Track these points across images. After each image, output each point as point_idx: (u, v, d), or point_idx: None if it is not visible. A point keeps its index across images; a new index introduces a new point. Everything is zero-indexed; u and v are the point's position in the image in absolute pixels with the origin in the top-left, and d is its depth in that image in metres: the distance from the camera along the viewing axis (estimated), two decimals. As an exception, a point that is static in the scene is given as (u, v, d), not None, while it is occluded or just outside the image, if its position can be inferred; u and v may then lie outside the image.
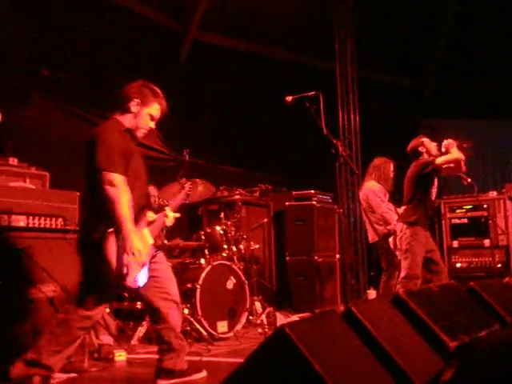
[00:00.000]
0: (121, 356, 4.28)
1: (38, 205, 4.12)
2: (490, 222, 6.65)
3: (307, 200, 7.10)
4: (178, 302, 3.42)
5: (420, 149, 5.21)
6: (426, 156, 5.19)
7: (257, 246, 6.22)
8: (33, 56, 6.38)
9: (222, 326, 5.12)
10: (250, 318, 5.62)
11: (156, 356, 3.53)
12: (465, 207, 6.95)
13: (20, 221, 3.93)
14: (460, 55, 10.28)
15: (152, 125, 3.35)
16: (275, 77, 8.78)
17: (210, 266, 5.18)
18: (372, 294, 7.37)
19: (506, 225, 6.62)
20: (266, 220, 6.86)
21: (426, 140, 5.25)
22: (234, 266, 5.43)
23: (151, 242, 3.23)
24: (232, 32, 9.12)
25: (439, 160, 5.00)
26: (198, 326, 4.89)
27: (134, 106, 3.25)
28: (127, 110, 3.26)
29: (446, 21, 10.28)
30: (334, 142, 3.46)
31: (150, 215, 3.33)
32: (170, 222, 3.46)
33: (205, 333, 4.88)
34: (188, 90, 8.25)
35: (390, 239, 5.60)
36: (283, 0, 8.80)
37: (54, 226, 4.10)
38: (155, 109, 3.33)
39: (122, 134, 3.22)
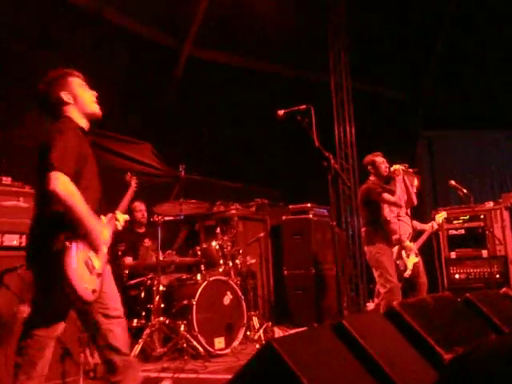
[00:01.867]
0: (116, 374, 4.22)
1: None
2: (487, 232, 6.63)
3: (304, 214, 7.10)
4: (121, 315, 3.03)
5: (369, 168, 5.51)
6: (375, 175, 5.46)
7: (253, 261, 6.20)
8: (27, 73, 6.40)
9: (219, 342, 5.08)
10: (248, 333, 5.58)
11: (153, 374, 3.49)
12: (462, 218, 6.94)
13: (13, 240, 3.92)
14: (456, 66, 10.33)
15: (92, 92, 3.09)
16: (271, 90, 8.81)
17: (206, 282, 5.16)
18: (372, 306, 7.33)
19: (504, 235, 6.60)
20: (262, 234, 6.84)
21: (378, 160, 5.49)
22: (230, 282, 5.40)
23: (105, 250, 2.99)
24: (227, 47, 9.17)
25: (385, 197, 5.29)
26: (195, 343, 4.85)
27: (64, 96, 2.96)
28: (65, 104, 2.97)
29: (441, 31, 10.33)
30: (326, 154, 3.46)
31: (103, 219, 3.06)
32: (120, 225, 3.19)
33: (201, 349, 4.84)
34: (184, 105, 8.28)
35: (394, 249, 5.60)
36: (277, 14, 8.87)
37: (47, 245, 4.06)
38: (76, 79, 3.06)
39: (76, 133, 2.91)
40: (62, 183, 2.63)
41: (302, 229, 7.04)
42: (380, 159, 5.46)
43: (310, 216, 7.04)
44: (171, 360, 4.72)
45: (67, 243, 2.69)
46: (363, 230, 5.42)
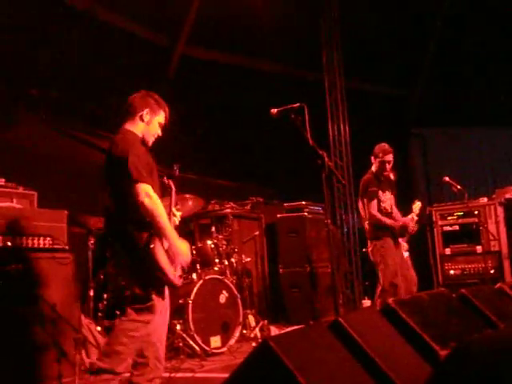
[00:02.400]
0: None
1: (26, 224, 4.08)
2: (481, 228, 6.65)
3: (299, 211, 7.10)
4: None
5: (372, 158, 5.51)
6: (375, 167, 5.45)
7: (248, 259, 6.20)
8: (21, 75, 6.38)
9: (215, 341, 5.07)
10: (244, 332, 5.57)
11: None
12: (456, 214, 6.96)
13: (7, 241, 3.90)
14: (449, 64, 10.36)
15: (160, 132, 3.49)
16: (265, 89, 8.80)
17: (201, 281, 5.15)
18: (367, 303, 7.35)
19: (498, 230, 6.62)
20: (257, 233, 6.84)
21: (387, 158, 5.43)
22: (226, 280, 5.40)
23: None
24: (220, 46, 9.16)
25: (370, 204, 5.28)
26: (191, 342, 4.85)
27: (145, 115, 3.39)
28: (139, 120, 3.39)
29: (434, 30, 10.35)
30: (320, 152, 3.46)
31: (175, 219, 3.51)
32: (178, 220, 3.56)
33: (198, 348, 4.84)
34: (177, 104, 8.23)
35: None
36: (270, 13, 8.85)
37: (41, 246, 4.06)
38: (162, 116, 3.48)
39: (142, 145, 3.36)
40: (149, 196, 3.07)
41: (296, 227, 7.05)
42: (389, 157, 5.42)
43: (305, 214, 7.05)
44: (167, 359, 4.68)
45: (152, 239, 3.09)
46: (367, 223, 5.34)
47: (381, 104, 10.50)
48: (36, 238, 4.03)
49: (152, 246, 3.09)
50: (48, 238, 4.08)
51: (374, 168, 5.45)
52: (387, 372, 2.07)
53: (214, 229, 5.92)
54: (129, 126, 3.40)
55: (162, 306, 3.26)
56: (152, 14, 8.06)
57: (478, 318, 3.07)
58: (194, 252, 5.57)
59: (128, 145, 3.23)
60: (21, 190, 4.54)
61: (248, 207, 7.19)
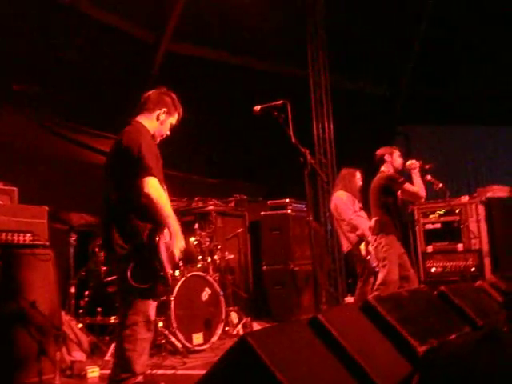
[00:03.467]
0: (94, 372, 4.21)
1: (6, 220, 4.04)
2: (462, 226, 6.71)
3: (282, 209, 7.11)
4: None
5: (386, 157, 5.37)
6: (389, 166, 5.35)
7: (231, 256, 6.20)
8: (2, 70, 6.30)
9: (198, 337, 5.07)
10: (226, 328, 5.58)
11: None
12: (437, 212, 7.00)
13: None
14: (433, 63, 10.43)
15: (168, 133, 3.51)
16: (250, 86, 8.78)
17: (184, 278, 5.14)
18: (350, 300, 7.38)
19: (479, 229, 6.68)
20: (240, 230, 6.84)
21: (396, 152, 5.43)
22: (208, 277, 5.39)
23: None
24: (205, 42, 9.12)
25: (407, 186, 5.20)
26: (173, 339, 4.84)
27: (162, 114, 3.40)
28: (155, 118, 3.40)
29: (419, 29, 10.41)
30: (303, 150, 3.46)
31: None
32: None
33: (180, 345, 4.83)
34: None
35: (362, 246, 5.64)
36: (256, 10, 8.84)
37: (22, 242, 4.02)
38: (175, 118, 3.50)
39: (151, 139, 3.36)
40: (155, 188, 3.09)
41: (280, 224, 7.06)
42: (397, 152, 5.42)
43: (289, 211, 7.06)
44: (149, 356, 4.69)
45: (156, 232, 3.10)
46: (376, 219, 5.25)
47: (365, 102, 10.54)
48: (16, 234, 3.98)
49: (157, 238, 3.10)
50: (28, 234, 4.04)
51: (384, 168, 5.40)
52: (366, 368, 2.08)
53: (197, 226, 5.90)
54: (143, 120, 3.39)
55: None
56: (137, 9, 8.01)
57: (457, 315, 3.10)
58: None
59: (139, 137, 3.23)
60: (1, 185, 4.49)
61: (232, 204, 7.19)
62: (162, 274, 3.12)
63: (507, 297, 3.60)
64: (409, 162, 5.33)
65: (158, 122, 3.40)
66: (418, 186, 5.21)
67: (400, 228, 5.29)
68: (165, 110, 3.41)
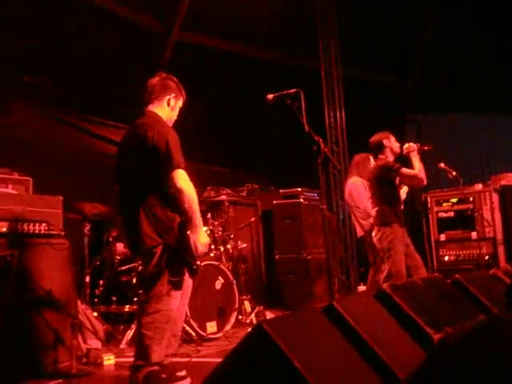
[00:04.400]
0: (109, 360, 4.25)
1: (22, 210, 4.07)
2: (476, 214, 6.67)
3: (295, 198, 7.11)
4: None
5: (385, 142, 5.25)
6: (388, 152, 5.24)
7: (244, 245, 6.22)
8: (13, 62, 6.32)
9: (211, 326, 5.10)
10: (240, 317, 5.61)
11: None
12: (451, 200, 6.97)
13: (3, 227, 3.89)
14: (444, 50, 10.32)
15: (175, 117, 3.56)
16: (261, 76, 8.75)
17: (197, 267, 5.16)
18: (363, 289, 7.38)
19: (492, 217, 6.65)
20: (253, 219, 6.85)
21: (392, 137, 5.33)
22: (221, 266, 5.41)
23: None
24: (215, 32, 9.08)
25: (405, 171, 5.07)
26: (187, 327, 4.87)
27: (171, 99, 3.44)
28: (166, 104, 3.42)
29: (429, 17, 10.30)
30: (316, 138, 3.45)
31: None
32: None
33: (194, 334, 4.87)
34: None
35: (374, 233, 5.62)
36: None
37: (37, 231, 4.05)
38: (181, 101, 3.54)
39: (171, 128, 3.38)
40: (187, 183, 3.15)
41: (292, 213, 7.06)
42: (393, 137, 5.33)
43: (301, 200, 7.06)
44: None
45: (185, 225, 3.17)
46: (376, 209, 5.20)
47: (376, 90, 10.46)
48: (32, 224, 4.01)
49: (188, 231, 3.17)
50: (44, 224, 4.07)
51: (382, 155, 5.30)
52: (381, 355, 2.09)
53: (209, 215, 5.92)
54: (155, 109, 3.40)
55: (187, 285, 3.37)
56: (146, -1, 8.00)
57: (472, 303, 3.10)
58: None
59: (165, 130, 3.25)
60: (16, 176, 4.53)
61: (244, 193, 7.19)
62: (194, 267, 3.22)
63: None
64: (406, 146, 5.21)
65: (168, 107, 3.43)
66: (417, 169, 5.08)
67: (402, 215, 5.21)
68: (173, 95, 3.44)
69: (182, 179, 3.13)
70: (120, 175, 3.45)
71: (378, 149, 5.29)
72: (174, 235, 3.16)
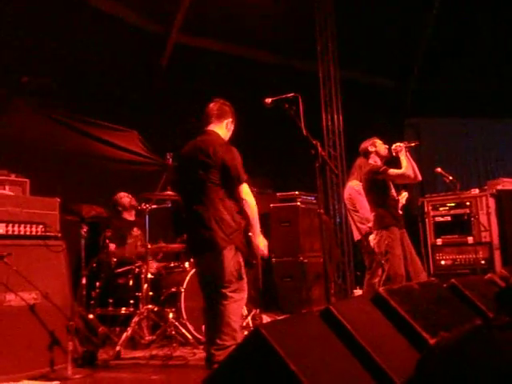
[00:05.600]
0: (105, 362, 4.24)
1: (18, 212, 4.07)
2: (472, 219, 6.69)
3: (292, 201, 7.11)
4: None
5: (370, 148, 5.40)
6: (374, 156, 5.36)
7: (241, 248, 6.19)
8: (12, 62, 6.32)
9: (208, 329, 5.08)
10: (236, 320, 5.58)
11: (140, 361, 3.50)
12: (448, 205, 6.99)
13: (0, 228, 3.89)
14: (443, 54, 10.36)
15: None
16: (259, 79, 8.76)
17: (194, 270, 5.15)
18: (359, 293, 7.39)
19: (489, 222, 6.67)
20: (250, 222, 6.83)
21: (377, 141, 5.44)
22: (218, 269, 5.39)
23: None
24: (214, 34, 9.10)
25: (392, 171, 5.17)
26: (184, 330, 4.87)
27: (230, 123, 3.98)
28: (225, 127, 3.95)
29: (428, 20, 10.34)
30: (314, 142, 3.46)
31: None
32: None
33: (190, 336, 4.85)
34: (170, 93, 8.22)
35: (371, 237, 5.63)
36: (266, 2, 8.81)
37: (34, 233, 4.05)
38: (233, 126, 4.06)
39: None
40: (250, 195, 3.69)
41: (289, 216, 7.05)
42: (379, 141, 5.42)
43: (298, 204, 7.05)
44: (160, 347, 4.73)
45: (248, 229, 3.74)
46: (373, 214, 5.27)
47: (375, 94, 10.49)
48: (28, 226, 4.01)
49: (250, 233, 3.71)
50: (40, 226, 4.07)
51: (371, 160, 5.39)
52: (377, 360, 2.09)
53: (207, 218, 5.89)
54: (217, 130, 3.89)
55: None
56: (146, 1, 8.00)
57: (468, 307, 3.10)
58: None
59: (229, 149, 3.76)
60: (13, 177, 4.53)
61: (241, 196, 7.17)
62: (254, 262, 3.91)
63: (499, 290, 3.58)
64: (393, 146, 5.31)
65: (226, 129, 3.95)
66: (404, 167, 5.16)
67: (400, 217, 5.27)
68: (231, 119, 3.97)
69: (245, 192, 3.68)
70: (183, 186, 3.95)
71: (365, 155, 5.45)
72: (241, 237, 3.67)
